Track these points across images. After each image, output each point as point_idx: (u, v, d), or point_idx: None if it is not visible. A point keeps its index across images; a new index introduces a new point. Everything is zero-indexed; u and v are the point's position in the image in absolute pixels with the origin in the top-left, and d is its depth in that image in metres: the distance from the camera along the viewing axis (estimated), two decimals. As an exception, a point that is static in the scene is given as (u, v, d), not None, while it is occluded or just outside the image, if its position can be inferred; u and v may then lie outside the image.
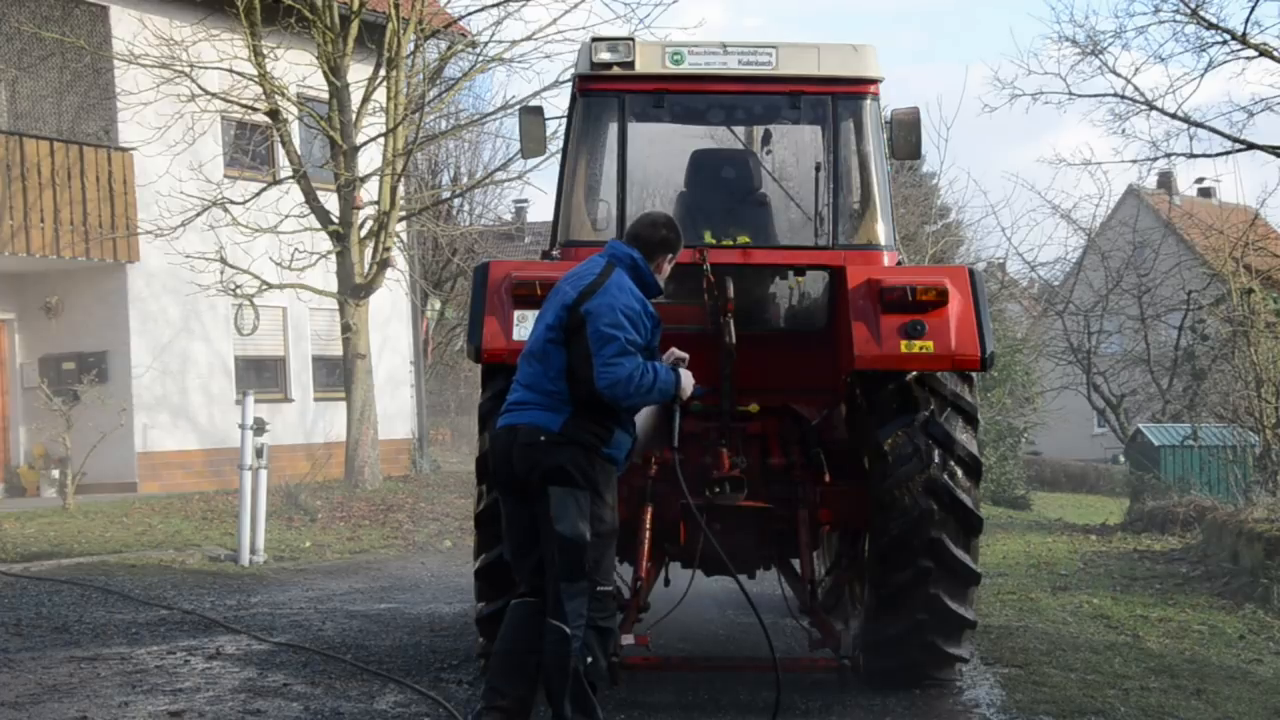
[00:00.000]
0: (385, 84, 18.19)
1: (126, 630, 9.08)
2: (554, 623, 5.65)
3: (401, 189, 19.80)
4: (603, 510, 5.73)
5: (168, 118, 17.96)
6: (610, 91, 7.57)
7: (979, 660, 8.06)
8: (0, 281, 19.57)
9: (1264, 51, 21.04)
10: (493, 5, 18.96)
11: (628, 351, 5.66)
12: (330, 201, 18.64)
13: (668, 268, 6.15)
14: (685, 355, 6.21)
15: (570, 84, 8.40)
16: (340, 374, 19.78)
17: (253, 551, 13.01)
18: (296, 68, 18.60)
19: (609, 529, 5.79)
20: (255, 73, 17.53)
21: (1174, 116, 21.56)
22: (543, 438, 5.69)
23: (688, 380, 5.99)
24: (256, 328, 20.76)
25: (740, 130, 8.29)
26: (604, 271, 5.87)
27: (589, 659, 5.69)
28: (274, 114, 17.99)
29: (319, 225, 18.36)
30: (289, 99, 18.31)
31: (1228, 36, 20.90)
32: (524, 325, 6.87)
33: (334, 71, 18.13)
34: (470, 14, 20.99)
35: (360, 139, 18.44)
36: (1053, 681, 7.63)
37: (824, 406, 7.57)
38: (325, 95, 18.64)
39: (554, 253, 7.84)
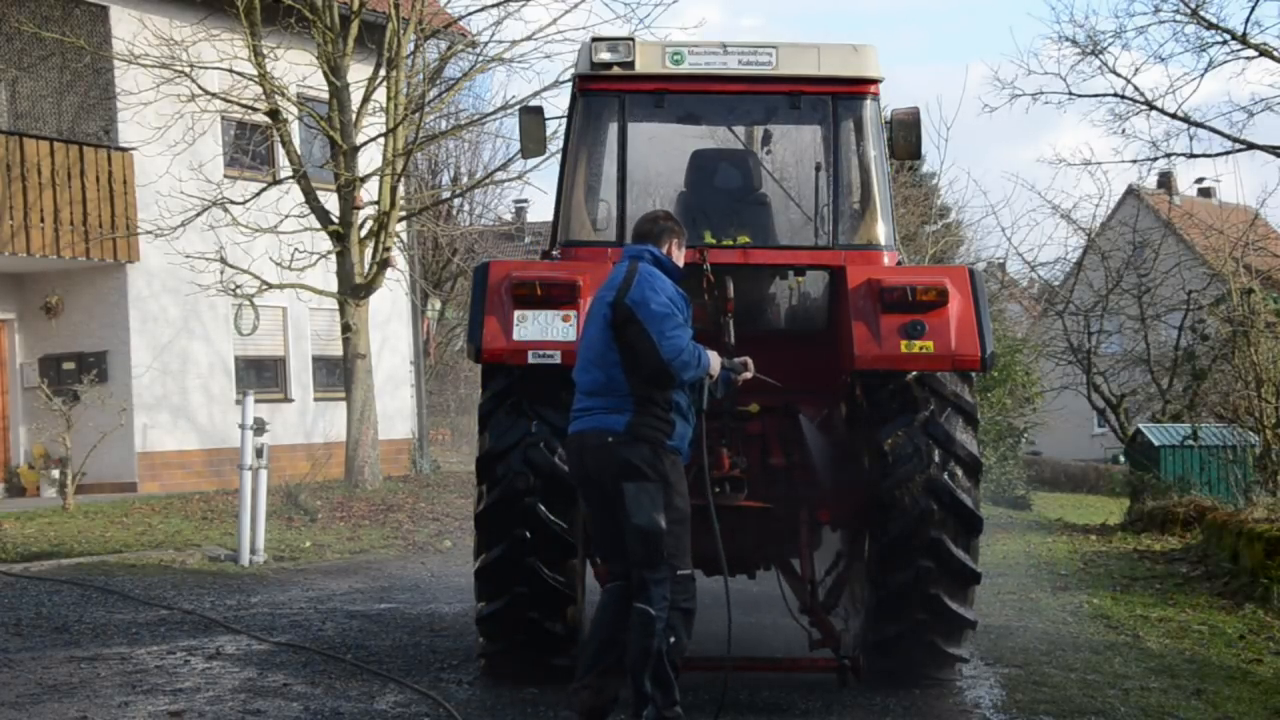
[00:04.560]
0: (385, 84, 18.19)
1: (126, 630, 9.08)
2: (640, 606, 6.01)
3: (401, 189, 19.79)
4: (674, 499, 6.10)
5: (168, 118, 17.96)
6: (610, 91, 7.58)
7: (979, 660, 8.06)
8: (0, 281, 19.57)
9: (1264, 51, 21.06)
10: (493, 5, 18.98)
11: (681, 325, 6.06)
12: (330, 201, 18.64)
13: (679, 252, 6.47)
14: (748, 359, 6.71)
15: (570, 84, 8.40)
16: (340, 374, 19.77)
17: (253, 551, 12.99)
18: (296, 68, 18.60)
19: (682, 516, 6.14)
20: (255, 73, 17.52)
21: (1174, 116, 21.59)
22: (610, 439, 6.07)
23: (715, 360, 6.35)
24: (256, 328, 20.75)
25: (740, 130, 8.29)
26: (630, 270, 6.23)
27: (672, 639, 6.02)
28: (274, 114, 17.98)
29: (319, 225, 18.35)
30: (289, 99, 18.30)
31: (1228, 36, 20.93)
32: (524, 325, 6.90)
33: (334, 71, 18.12)
34: (470, 14, 21.08)
35: (360, 139, 18.43)
36: (1053, 681, 7.63)
37: (824, 406, 7.56)
38: (325, 95, 18.64)
39: (554, 253, 7.84)
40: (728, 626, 6.38)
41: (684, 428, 6.19)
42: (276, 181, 19.25)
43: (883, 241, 7.60)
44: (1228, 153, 21.94)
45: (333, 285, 18.74)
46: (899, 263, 7.72)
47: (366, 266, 18.46)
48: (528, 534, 6.89)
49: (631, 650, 6.03)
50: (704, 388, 6.30)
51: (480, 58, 19.44)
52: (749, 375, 6.73)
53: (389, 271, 19.02)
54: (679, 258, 6.45)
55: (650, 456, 6.04)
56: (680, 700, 6.09)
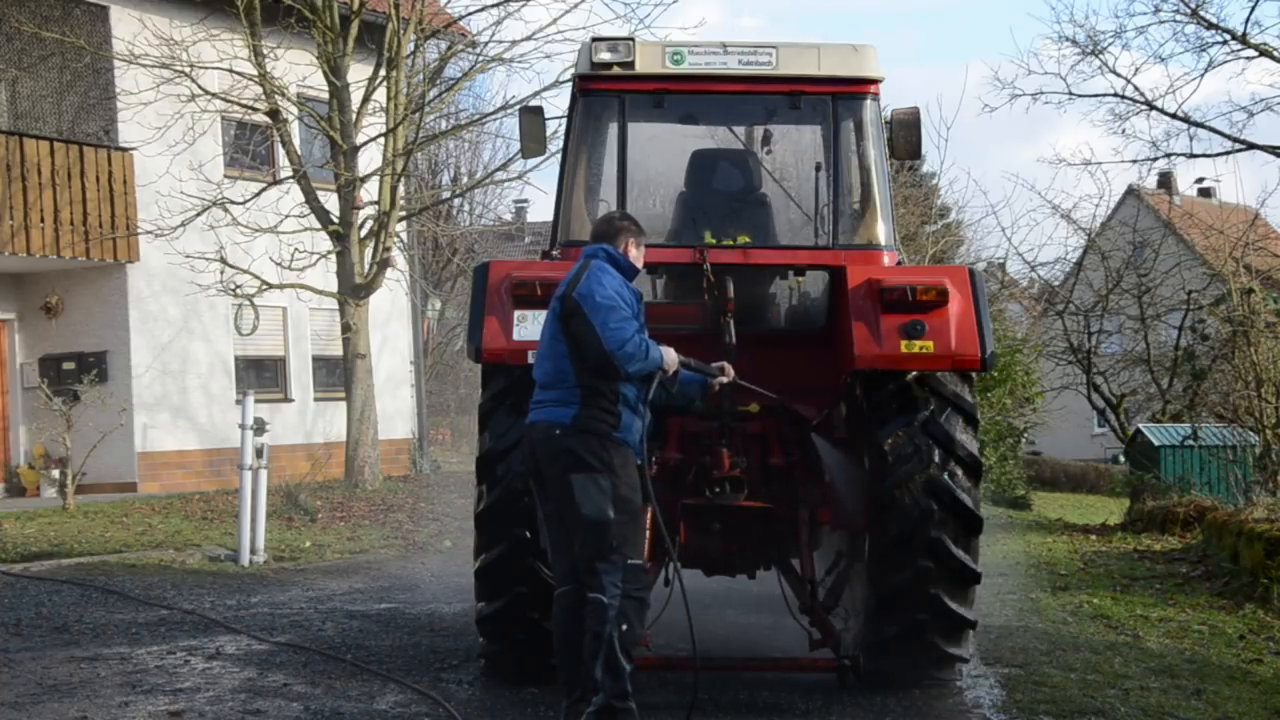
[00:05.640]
0: (385, 84, 18.19)
1: (126, 630, 9.08)
2: (592, 595, 6.08)
3: (401, 189, 19.79)
4: (622, 489, 6.14)
5: (168, 118, 17.96)
6: (610, 91, 7.58)
7: (979, 660, 8.05)
8: (0, 281, 19.57)
9: (1264, 51, 21.09)
10: (493, 5, 18.98)
11: (627, 318, 6.11)
12: (330, 201, 18.64)
13: (636, 251, 6.51)
14: (725, 364, 6.79)
15: (570, 84, 8.40)
16: (340, 374, 19.78)
17: (253, 551, 12.99)
18: (296, 68, 18.60)
19: (632, 506, 6.18)
20: (255, 73, 17.53)
21: (1174, 116, 21.62)
22: (558, 431, 6.15)
23: (670, 356, 6.38)
24: (256, 328, 20.75)
25: (740, 130, 8.29)
26: (582, 267, 6.33)
27: (624, 626, 6.06)
28: (274, 114, 17.99)
29: (319, 225, 18.36)
30: (289, 99, 18.31)
31: (1228, 36, 20.97)
32: (524, 325, 6.91)
33: (334, 71, 18.13)
34: (470, 14, 21.05)
35: (360, 139, 18.44)
36: (1053, 681, 7.63)
37: (824, 406, 7.56)
38: (325, 95, 18.65)
39: (554, 253, 7.85)
40: (689, 627, 6.35)
41: (631, 419, 6.23)
42: (276, 181, 19.25)
43: (883, 241, 7.59)
44: (1228, 153, 21.98)
45: (333, 285, 18.74)
46: (899, 263, 7.72)
47: (366, 266, 18.47)
48: (528, 534, 6.89)
49: (586, 638, 6.10)
50: (654, 383, 6.33)
51: (480, 58, 19.45)
52: (725, 380, 6.77)
53: (389, 271, 19.03)
54: (636, 257, 6.50)
55: (597, 448, 6.11)
56: (630, 694, 6.06)
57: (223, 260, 18.11)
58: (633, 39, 7.63)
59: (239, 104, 18.03)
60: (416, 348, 24.48)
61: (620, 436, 6.17)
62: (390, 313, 22.68)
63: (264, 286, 18.37)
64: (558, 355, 6.22)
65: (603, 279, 6.20)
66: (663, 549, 7.28)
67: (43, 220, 18.39)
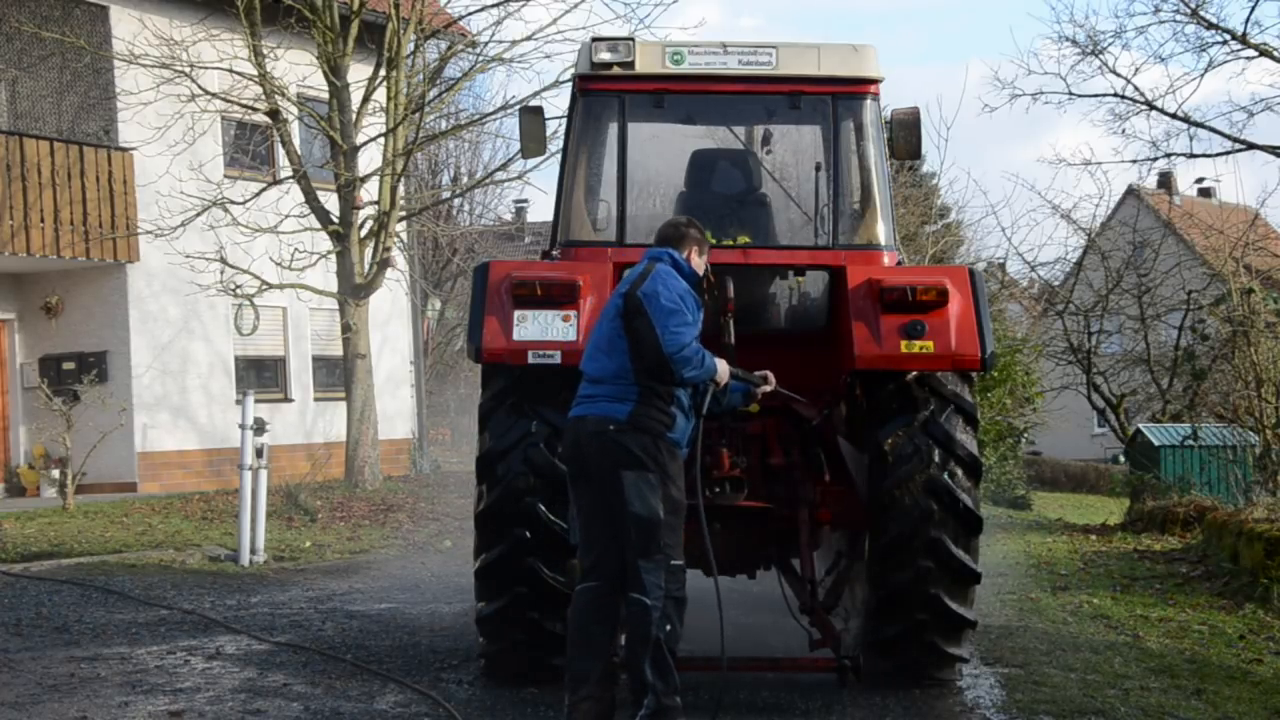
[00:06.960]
0: (385, 84, 18.19)
1: (126, 630, 9.08)
2: (635, 595, 6.10)
3: (401, 189, 19.79)
4: (672, 490, 6.17)
5: (168, 118, 17.96)
6: (610, 91, 7.58)
7: (979, 660, 8.06)
8: (0, 281, 19.57)
9: (1264, 51, 21.11)
10: (493, 5, 18.98)
11: (688, 324, 6.17)
12: (330, 201, 18.64)
13: (698, 259, 6.57)
14: (769, 374, 6.83)
15: (570, 84, 8.41)
16: (340, 374, 19.78)
17: (253, 551, 12.99)
18: (296, 68, 18.60)
19: (678, 507, 6.22)
20: (255, 73, 17.53)
21: (1174, 116, 21.64)
22: (611, 427, 6.14)
23: (723, 367, 6.43)
24: (256, 328, 20.76)
25: (740, 130, 8.29)
26: (647, 268, 6.37)
27: (668, 627, 6.09)
28: (274, 114, 17.99)
29: (319, 225, 18.36)
30: (289, 99, 18.31)
31: (1228, 36, 21.00)
32: (524, 325, 6.92)
33: (334, 71, 18.13)
34: (470, 14, 21.05)
35: (360, 139, 18.43)
36: (1053, 681, 7.63)
37: (824, 406, 7.57)
38: (325, 95, 18.65)
39: (554, 253, 7.85)
40: (720, 627, 6.35)
41: (685, 423, 6.28)
42: (276, 181, 19.25)
43: (883, 241, 7.60)
44: (1228, 153, 22.01)
45: (333, 285, 18.74)
46: (899, 263, 7.72)
47: (366, 266, 18.47)
48: (528, 534, 6.90)
49: (629, 639, 6.12)
50: (707, 392, 6.37)
51: (480, 58, 19.44)
52: (769, 388, 6.84)
53: (389, 271, 19.02)
54: (699, 264, 6.55)
55: (650, 446, 6.12)
56: (680, 690, 6.11)
57: (223, 260, 18.11)
58: (633, 39, 7.64)
59: (239, 104, 18.02)
60: (416, 348, 24.49)
61: (673, 437, 6.21)
62: (390, 313, 22.68)
63: (264, 286, 18.37)
64: (618, 351, 6.22)
65: (668, 282, 6.25)
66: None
67: (43, 220, 18.39)
